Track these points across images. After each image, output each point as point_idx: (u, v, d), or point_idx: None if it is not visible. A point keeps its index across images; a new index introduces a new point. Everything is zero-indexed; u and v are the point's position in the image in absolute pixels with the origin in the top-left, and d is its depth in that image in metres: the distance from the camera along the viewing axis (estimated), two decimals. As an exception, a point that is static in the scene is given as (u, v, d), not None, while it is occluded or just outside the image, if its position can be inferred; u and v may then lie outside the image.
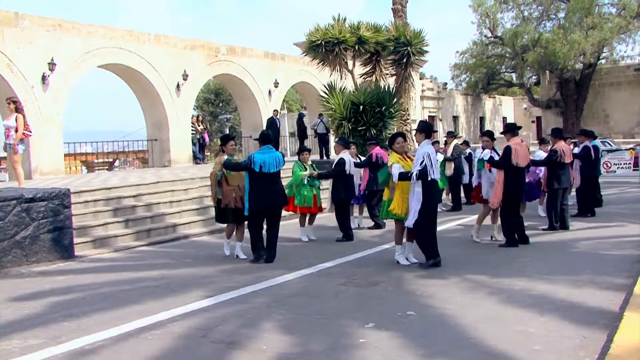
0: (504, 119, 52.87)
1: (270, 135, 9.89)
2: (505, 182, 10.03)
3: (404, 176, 8.66)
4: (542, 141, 14.84)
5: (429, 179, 8.54)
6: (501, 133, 11.16)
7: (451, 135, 16.96)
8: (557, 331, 5.61)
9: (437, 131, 10.83)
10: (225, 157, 9.85)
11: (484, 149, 11.22)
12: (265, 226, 9.73)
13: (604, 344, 5.12)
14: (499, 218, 10.66)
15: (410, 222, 8.61)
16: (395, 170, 8.78)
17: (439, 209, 14.98)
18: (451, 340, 5.48)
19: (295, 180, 11.43)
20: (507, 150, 10.10)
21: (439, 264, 8.66)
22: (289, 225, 13.69)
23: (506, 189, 10.02)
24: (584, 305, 6.46)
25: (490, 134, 11.38)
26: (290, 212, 12.29)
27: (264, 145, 9.53)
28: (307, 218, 11.87)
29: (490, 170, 10.64)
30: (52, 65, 18.60)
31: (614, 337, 4.91)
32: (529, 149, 11.03)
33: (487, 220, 11.00)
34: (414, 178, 8.52)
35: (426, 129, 9.10)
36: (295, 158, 12.25)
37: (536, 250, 9.94)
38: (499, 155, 10.63)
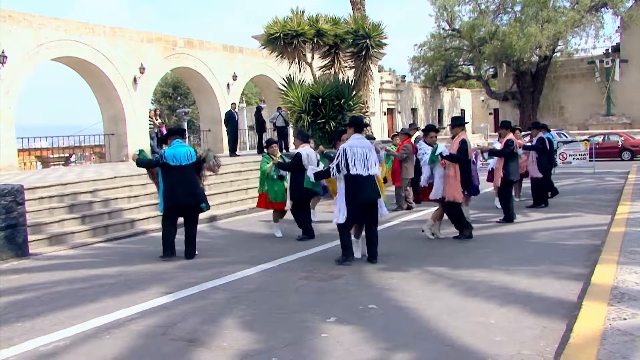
0: (462, 111, 53.46)
1: (177, 128, 9.77)
2: (461, 176, 9.95)
3: (320, 175, 8.42)
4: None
5: (346, 173, 8.28)
6: (449, 127, 10.99)
7: (413, 127, 17.02)
8: (518, 322, 5.65)
9: (368, 125, 10.45)
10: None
11: (428, 144, 10.53)
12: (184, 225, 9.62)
13: (564, 333, 5.18)
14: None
15: (335, 219, 8.43)
16: (310, 172, 8.52)
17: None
18: (413, 333, 5.47)
19: (263, 174, 11.17)
20: (466, 144, 10.07)
21: (350, 263, 8.55)
22: (250, 218, 13.61)
23: (461, 182, 9.97)
24: (543, 296, 6.53)
25: (434, 129, 10.91)
26: (250, 207, 12.10)
27: (174, 139, 9.46)
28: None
29: (445, 167, 10.15)
30: (2, 58, 18.13)
31: (574, 327, 4.95)
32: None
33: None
34: (335, 174, 8.33)
35: (356, 123, 8.84)
36: (254, 152, 12.02)
37: (495, 241, 10.03)
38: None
